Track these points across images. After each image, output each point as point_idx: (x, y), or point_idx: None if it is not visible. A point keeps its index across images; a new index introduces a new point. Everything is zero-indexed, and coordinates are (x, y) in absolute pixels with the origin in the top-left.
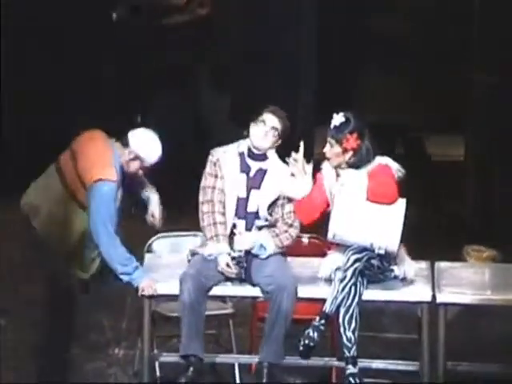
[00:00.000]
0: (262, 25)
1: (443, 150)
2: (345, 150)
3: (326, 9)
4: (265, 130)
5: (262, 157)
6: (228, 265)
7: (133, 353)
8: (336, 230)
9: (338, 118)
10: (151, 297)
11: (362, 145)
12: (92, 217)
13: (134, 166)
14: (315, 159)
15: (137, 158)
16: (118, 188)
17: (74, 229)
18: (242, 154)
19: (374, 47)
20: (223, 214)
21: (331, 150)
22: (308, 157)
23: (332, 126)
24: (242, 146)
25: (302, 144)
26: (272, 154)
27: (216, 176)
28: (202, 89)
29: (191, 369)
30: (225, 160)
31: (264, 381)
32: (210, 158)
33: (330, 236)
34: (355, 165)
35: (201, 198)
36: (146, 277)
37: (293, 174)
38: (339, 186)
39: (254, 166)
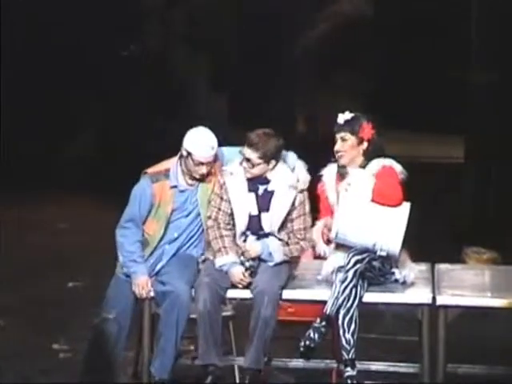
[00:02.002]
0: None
1: (443, 152)
2: (361, 141)
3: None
4: (244, 163)
5: (264, 180)
6: (243, 275)
7: (132, 354)
8: (339, 229)
9: (345, 116)
10: (145, 299)
11: (376, 136)
12: None
13: (189, 165)
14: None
15: (188, 153)
16: (182, 191)
17: None
18: None
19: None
20: (228, 229)
21: (345, 144)
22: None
23: (342, 121)
24: None
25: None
26: (274, 176)
27: (222, 198)
28: (201, 90)
29: (210, 378)
30: (231, 182)
31: None
32: (219, 178)
33: (332, 235)
34: (370, 157)
35: (208, 213)
36: (141, 274)
37: None
38: (346, 186)
39: (261, 187)
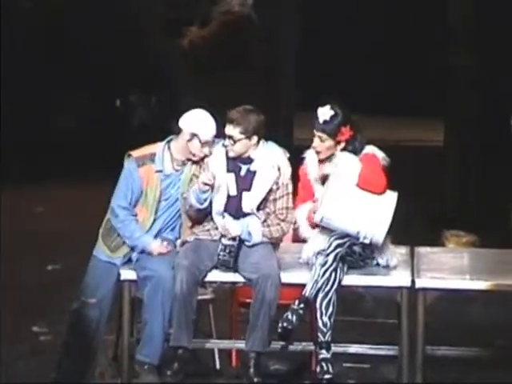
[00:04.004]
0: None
1: (423, 135)
2: (338, 143)
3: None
4: (226, 141)
5: (247, 160)
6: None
7: (112, 338)
8: (325, 213)
9: (326, 112)
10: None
11: (356, 135)
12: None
13: (195, 147)
14: (295, 145)
15: (193, 135)
16: (167, 175)
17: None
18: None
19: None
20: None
21: (322, 144)
22: (288, 142)
23: (321, 120)
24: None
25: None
26: (258, 155)
27: (198, 177)
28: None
29: (177, 362)
30: (211, 162)
31: (251, 370)
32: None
33: (317, 218)
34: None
35: (185, 194)
36: (152, 243)
37: None
38: (333, 167)
39: (243, 166)
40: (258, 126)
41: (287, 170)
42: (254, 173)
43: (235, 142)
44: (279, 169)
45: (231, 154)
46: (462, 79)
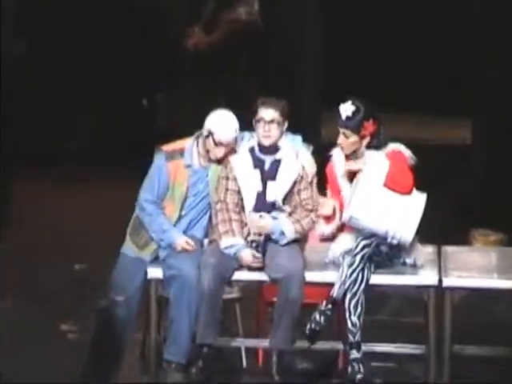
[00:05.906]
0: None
1: (451, 134)
2: (363, 137)
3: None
4: (265, 128)
5: (274, 149)
6: (254, 256)
7: (140, 335)
8: (354, 212)
9: (348, 108)
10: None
11: (380, 128)
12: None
13: (209, 145)
14: (323, 143)
15: (210, 133)
16: (195, 171)
17: None
18: (252, 150)
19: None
20: (238, 212)
21: (347, 140)
22: (316, 140)
23: (344, 116)
24: (252, 140)
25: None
26: (284, 143)
27: (228, 178)
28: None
29: (201, 359)
30: (236, 160)
31: (274, 368)
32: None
33: (346, 218)
34: (373, 148)
35: (215, 199)
36: (178, 237)
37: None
38: (361, 166)
39: (268, 159)
40: (287, 110)
41: (309, 162)
42: (279, 162)
43: (278, 124)
44: (302, 162)
45: (267, 142)
46: (490, 75)
